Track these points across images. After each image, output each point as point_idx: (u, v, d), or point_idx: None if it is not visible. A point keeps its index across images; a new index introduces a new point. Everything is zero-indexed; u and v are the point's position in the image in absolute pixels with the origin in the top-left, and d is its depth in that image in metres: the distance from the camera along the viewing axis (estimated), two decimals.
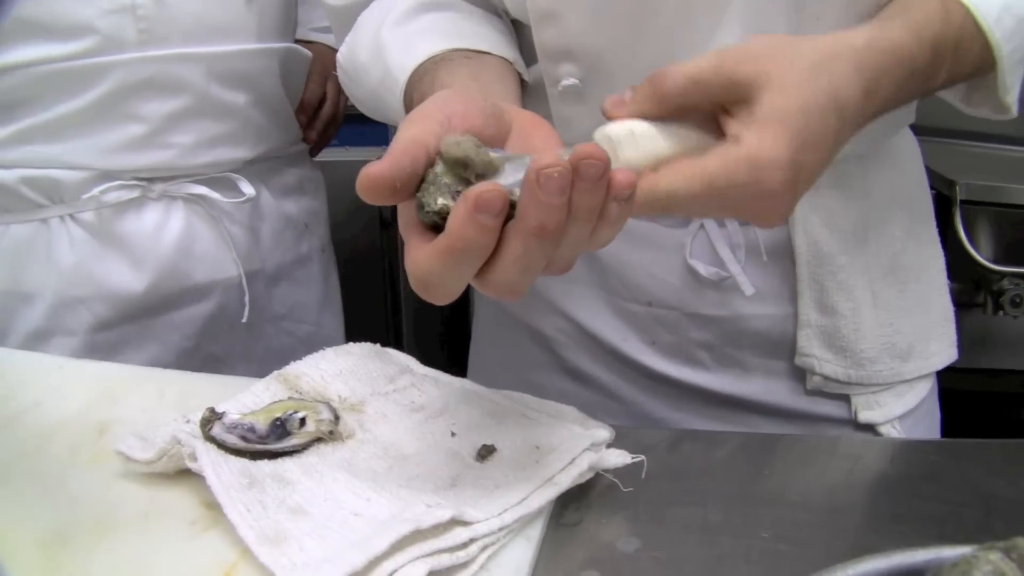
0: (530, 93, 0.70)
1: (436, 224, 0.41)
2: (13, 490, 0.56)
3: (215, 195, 0.84)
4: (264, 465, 0.52)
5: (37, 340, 0.84)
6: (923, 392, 0.74)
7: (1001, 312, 1.45)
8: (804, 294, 0.69)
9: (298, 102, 0.96)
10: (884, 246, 0.71)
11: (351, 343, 0.65)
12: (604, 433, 0.54)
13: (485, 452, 0.53)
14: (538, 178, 0.39)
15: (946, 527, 0.49)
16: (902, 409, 0.72)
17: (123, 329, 0.84)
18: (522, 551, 0.47)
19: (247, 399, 0.59)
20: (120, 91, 0.78)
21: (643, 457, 0.53)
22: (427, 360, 0.64)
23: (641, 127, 0.47)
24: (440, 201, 0.41)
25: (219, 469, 0.49)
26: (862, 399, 0.71)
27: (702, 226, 0.70)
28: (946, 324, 0.76)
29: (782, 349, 0.70)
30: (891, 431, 0.70)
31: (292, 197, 0.94)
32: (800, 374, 0.70)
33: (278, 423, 0.56)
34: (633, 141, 0.46)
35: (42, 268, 0.83)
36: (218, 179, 0.85)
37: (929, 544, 0.45)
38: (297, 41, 0.99)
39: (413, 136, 0.43)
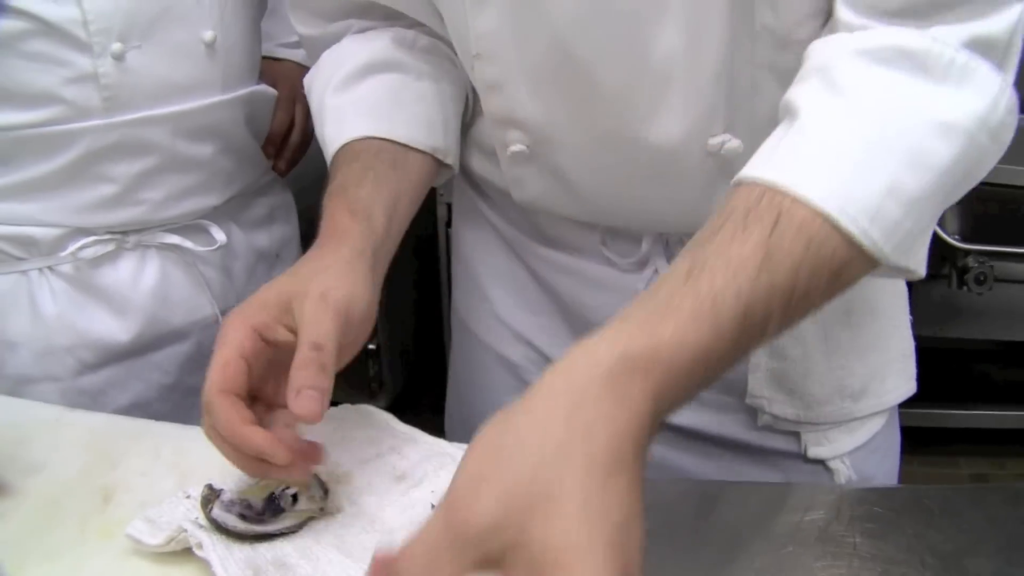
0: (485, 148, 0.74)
1: None
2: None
3: (188, 244, 0.86)
4: (264, 551, 0.56)
5: (22, 385, 0.86)
6: (876, 427, 0.78)
7: (965, 288, 1.46)
8: None
9: (265, 137, 0.97)
10: None
11: (333, 407, 0.69)
12: None
13: None
14: None
15: None
16: (851, 446, 0.75)
17: (107, 372, 0.88)
18: None
19: (241, 473, 0.63)
20: (89, 156, 0.80)
21: None
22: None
23: None
24: None
25: (226, 564, 0.54)
26: (812, 436, 0.75)
27: (656, 271, 0.73)
28: (905, 359, 0.78)
29: (734, 388, 0.74)
30: (840, 466, 0.75)
31: (263, 228, 0.97)
32: (752, 410, 0.75)
33: (273, 498, 0.61)
34: None
35: (25, 317, 0.85)
36: (190, 226, 0.87)
37: None
38: (264, 58, 0.99)
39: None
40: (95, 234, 0.83)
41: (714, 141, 0.63)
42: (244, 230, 0.93)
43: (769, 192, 0.47)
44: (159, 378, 0.90)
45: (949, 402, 1.95)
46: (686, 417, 0.76)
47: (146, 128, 0.81)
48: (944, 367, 1.96)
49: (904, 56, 0.50)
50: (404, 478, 0.62)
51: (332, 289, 0.58)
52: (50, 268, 0.84)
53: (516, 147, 0.69)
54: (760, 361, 0.72)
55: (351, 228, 0.63)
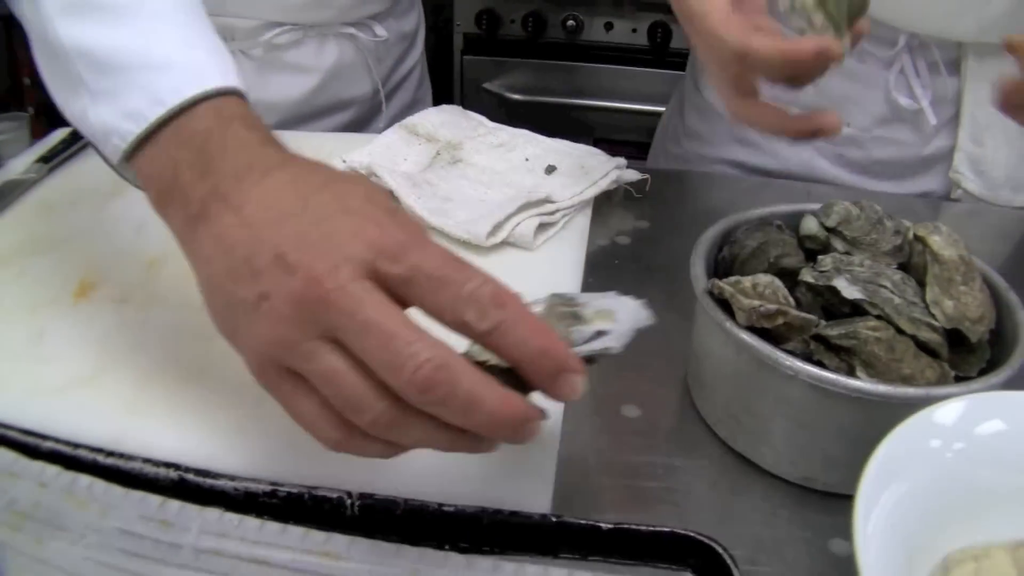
0: None
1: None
2: None
3: (360, 35, 1.05)
4: (414, 175, 0.80)
5: None
6: None
7: None
8: (965, 127, 0.89)
9: None
10: None
11: (443, 104, 0.92)
12: (623, 160, 0.84)
13: (550, 169, 0.82)
14: None
15: None
16: None
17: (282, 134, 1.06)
18: (582, 220, 0.78)
19: (383, 139, 0.86)
20: None
21: (648, 176, 0.83)
22: None
23: None
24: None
25: (393, 175, 0.77)
26: None
27: (902, 69, 0.88)
28: None
29: (940, 170, 0.93)
30: None
31: (404, 20, 1.14)
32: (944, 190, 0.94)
33: None
34: None
35: None
36: (360, 22, 1.06)
37: None
38: None
39: None
40: (287, 25, 1.00)
41: None
42: (396, 20, 1.12)
43: None
44: None
45: None
46: (887, 185, 0.94)
47: None
48: None
49: None
50: (502, 146, 0.86)
51: None
52: (243, 51, 1.00)
53: None
54: (965, 145, 0.90)
55: None
